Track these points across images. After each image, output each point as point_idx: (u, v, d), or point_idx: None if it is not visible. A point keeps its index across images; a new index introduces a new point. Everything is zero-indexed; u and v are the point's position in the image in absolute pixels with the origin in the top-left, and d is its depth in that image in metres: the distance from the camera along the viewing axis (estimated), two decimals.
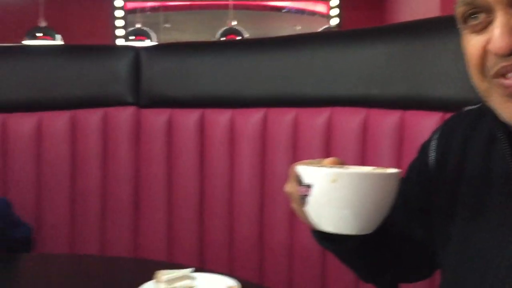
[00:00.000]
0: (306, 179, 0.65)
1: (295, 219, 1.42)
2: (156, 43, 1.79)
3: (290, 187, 0.72)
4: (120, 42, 6.35)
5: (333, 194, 0.63)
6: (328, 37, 1.49)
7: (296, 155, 1.44)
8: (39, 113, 1.70)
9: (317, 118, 1.42)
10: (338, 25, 6.84)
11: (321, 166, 0.69)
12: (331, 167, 0.69)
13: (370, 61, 1.38)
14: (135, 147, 1.69)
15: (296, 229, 1.42)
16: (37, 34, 4.97)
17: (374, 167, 0.69)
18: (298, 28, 8.28)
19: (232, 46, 1.76)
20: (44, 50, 1.83)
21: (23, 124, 1.70)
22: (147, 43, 5.39)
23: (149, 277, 0.94)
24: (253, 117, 1.54)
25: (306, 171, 0.65)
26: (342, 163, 0.71)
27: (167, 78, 1.69)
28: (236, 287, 0.92)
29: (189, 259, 1.56)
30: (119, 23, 6.50)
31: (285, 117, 1.49)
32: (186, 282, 0.93)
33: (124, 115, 1.70)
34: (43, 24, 5.08)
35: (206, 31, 9.08)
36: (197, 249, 1.59)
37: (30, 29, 5.01)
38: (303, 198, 0.66)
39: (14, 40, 5.02)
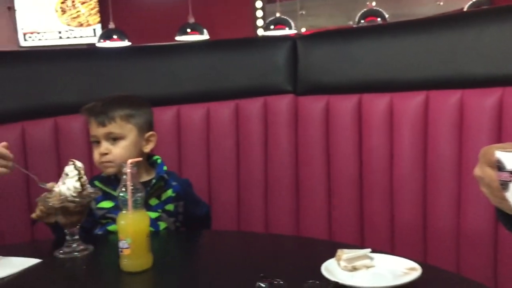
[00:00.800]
0: (509, 165, 0.64)
1: (463, 203, 1.39)
2: (313, 32, 1.84)
3: (481, 171, 0.72)
4: (260, 32, 6.58)
5: None
6: (498, 12, 1.42)
7: (462, 139, 1.40)
8: (208, 103, 1.87)
9: (486, 99, 1.37)
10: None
11: None
12: None
13: None
14: (294, 133, 1.77)
15: (464, 213, 1.39)
16: (188, 30, 5.36)
17: None
18: (441, 4, 7.79)
19: (388, 29, 1.75)
20: (210, 44, 1.99)
21: (194, 113, 1.87)
22: (286, 31, 5.51)
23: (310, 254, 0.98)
24: (413, 100, 1.53)
25: (510, 157, 0.64)
26: None
27: (323, 65, 1.74)
28: (419, 269, 0.94)
29: (350, 240, 1.62)
30: (259, 13, 6.74)
31: (448, 99, 1.46)
32: (366, 261, 0.98)
33: (283, 102, 1.80)
34: (191, 20, 5.47)
35: (341, 15, 8.97)
36: (357, 230, 1.63)
37: (181, 26, 5.42)
38: (504, 184, 0.66)
39: (167, 37, 5.48)
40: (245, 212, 1.82)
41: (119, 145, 1.38)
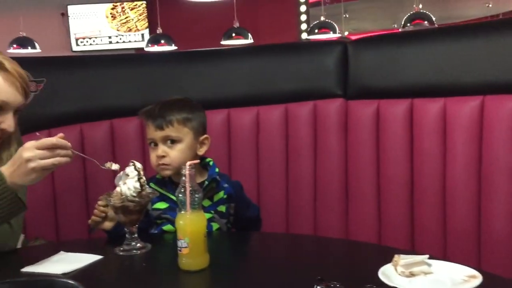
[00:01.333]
0: None
1: None
2: (363, 36, 1.84)
3: None
4: (304, 36, 6.59)
5: None
6: None
7: None
8: (257, 107, 1.90)
9: None
10: None
11: None
12: None
13: None
14: (344, 137, 1.78)
15: None
16: (233, 34, 5.44)
17: None
18: (490, 6, 7.57)
19: (440, 33, 1.73)
20: (260, 49, 2.02)
21: (244, 117, 1.91)
22: (331, 35, 5.49)
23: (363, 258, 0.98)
24: (468, 105, 1.51)
25: None
26: None
27: (374, 69, 1.74)
28: (479, 276, 0.93)
29: (399, 244, 1.60)
30: (303, 17, 6.75)
31: (505, 104, 1.43)
32: (423, 267, 0.97)
33: (332, 107, 1.80)
34: (236, 24, 5.54)
35: (386, 18, 8.85)
36: (408, 234, 1.62)
37: (227, 30, 5.51)
38: None
39: (212, 41, 5.57)
40: (293, 215, 1.84)
41: (176, 148, 1.42)
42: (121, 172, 1.26)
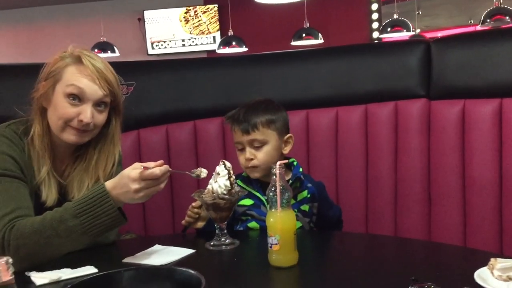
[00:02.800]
0: None
1: None
2: (448, 35, 1.80)
3: None
4: (375, 35, 6.48)
5: None
6: None
7: None
8: (337, 108, 1.91)
9: None
10: None
11: None
12: None
13: None
14: (426, 138, 1.75)
15: None
16: (303, 35, 5.45)
17: None
18: None
19: None
20: (340, 50, 2.03)
21: (323, 117, 1.92)
22: (404, 34, 5.36)
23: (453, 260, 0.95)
24: None
25: None
26: None
27: (459, 68, 1.70)
28: None
29: (486, 247, 1.56)
30: (375, 16, 6.64)
31: None
32: None
33: (414, 107, 1.78)
34: (307, 25, 5.55)
35: (461, 14, 8.49)
36: (495, 238, 1.57)
37: (297, 31, 5.53)
38: None
39: (282, 42, 5.61)
40: (373, 215, 1.83)
41: (263, 150, 1.47)
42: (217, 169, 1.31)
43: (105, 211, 1.23)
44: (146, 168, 1.20)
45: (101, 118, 1.38)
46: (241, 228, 1.52)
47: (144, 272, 0.70)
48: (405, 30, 5.48)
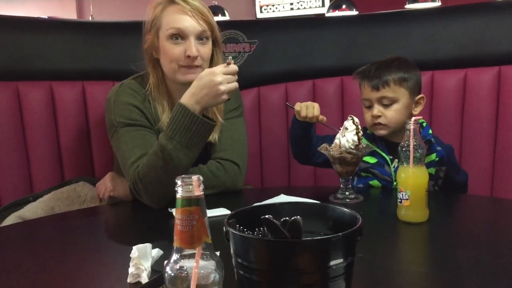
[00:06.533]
0: None
1: None
2: None
3: None
4: None
5: None
6: None
7: None
8: (465, 69, 1.82)
9: None
10: None
11: None
12: None
13: None
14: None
15: None
16: None
17: None
18: None
19: None
20: (471, 8, 1.91)
21: (450, 79, 1.85)
22: None
23: None
24: None
25: None
26: None
27: None
28: None
29: None
30: None
31: None
32: None
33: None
34: None
35: None
36: None
37: None
38: None
39: (396, 4, 5.36)
40: (499, 180, 1.75)
41: (392, 108, 1.44)
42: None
43: (192, 122, 1.29)
44: None
45: (206, 50, 1.44)
46: (361, 185, 1.53)
47: (300, 206, 0.74)
48: None
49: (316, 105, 1.44)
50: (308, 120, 1.43)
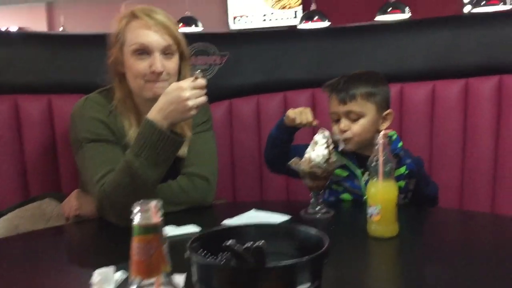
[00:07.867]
0: None
1: None
2: None
3: None
4: (467, 9, 6.13)
5: None
6: None
7: None
8: (433, 81, 1.84)
9: None
10: None
11: None
12: None
13: None
14: None
15: None
16: (389, 9, 5.25)
17: None
18: None
19: None
20: (438, 21, 1.94)
21: (418, 92, 1.86)
22: (500, 7, 5.01)
23: None
24: None
25: None
26: None
27: None
28: None
29: None
30: None
31: None
32: None
33: None
34: None
35: None
36: None
37: (382, 5, 5.33)
38: None
39: (366, 16, 5.43)
40: (468, 193, 1.77)
41: (358, 123, 1.43)
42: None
43: (160, 138, 1.26)
44: None
45: (172, 64, 1.42)
46: (332, 198, 1.52)
47: (264, 229, 0.72)
48: (501, 3, 5.12)
49: (308, 110, 1.43)
50: (302, 126, 1.42)
